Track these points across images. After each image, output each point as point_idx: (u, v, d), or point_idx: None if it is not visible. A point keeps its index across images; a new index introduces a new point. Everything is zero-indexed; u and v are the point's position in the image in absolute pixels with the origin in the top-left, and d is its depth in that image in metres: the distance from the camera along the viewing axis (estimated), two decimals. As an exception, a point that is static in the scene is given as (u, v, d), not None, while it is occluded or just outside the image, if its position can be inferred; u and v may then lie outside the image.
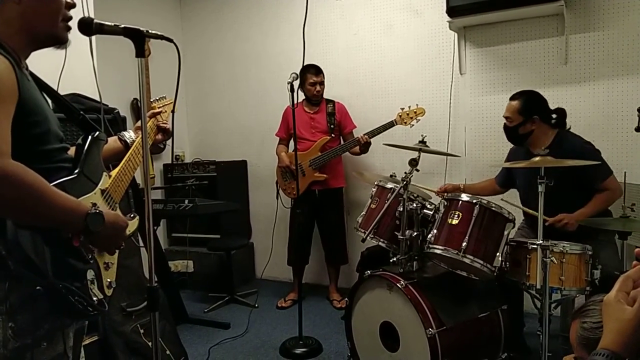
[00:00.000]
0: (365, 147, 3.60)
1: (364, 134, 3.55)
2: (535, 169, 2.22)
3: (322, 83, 3.76)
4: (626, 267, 2.35)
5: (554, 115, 2.67)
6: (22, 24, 1.18)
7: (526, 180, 2.65)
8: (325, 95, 3.88)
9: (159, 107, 1.75)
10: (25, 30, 1.18)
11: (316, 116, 3.81)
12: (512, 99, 2.70)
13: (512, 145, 2.88)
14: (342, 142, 3.81)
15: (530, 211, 2.62)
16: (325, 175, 3.71)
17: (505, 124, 2.72)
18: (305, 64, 3.17)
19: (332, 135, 3.76)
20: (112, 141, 1.58)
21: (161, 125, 1.72)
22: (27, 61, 1.26)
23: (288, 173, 3.77)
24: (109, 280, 1.30)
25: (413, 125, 3.48)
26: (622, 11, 3.12)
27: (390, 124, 3.51)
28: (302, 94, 3.80)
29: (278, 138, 3.96)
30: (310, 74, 3.72)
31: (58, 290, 1.11)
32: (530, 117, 2.62)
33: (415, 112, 3.48)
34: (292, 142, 3.91)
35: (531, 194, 2.42)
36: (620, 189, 2.57)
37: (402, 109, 3.50)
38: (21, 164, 1.02)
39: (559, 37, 3.30)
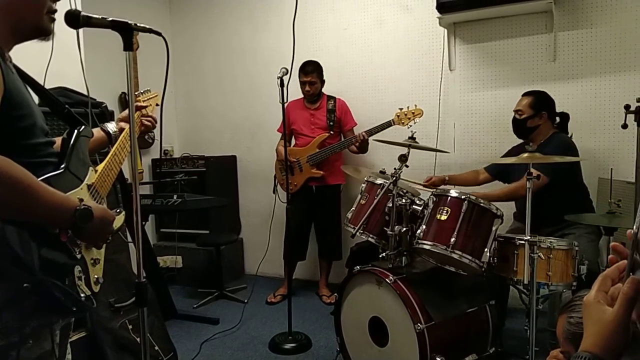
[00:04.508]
0: (362, 145, 3.55)
1: (363, 132, 3.52)
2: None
3: (312, 82, 3.69)
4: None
5: (557, 118, 2.88)
6: (6, 15, 1.15)
7: (520, 177, 2.70)
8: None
9: (143, 101, 1.73)
10: (9, 21, 1.16)
11: (316, 112, 3.79)
12: (525, 94, 2.89)
13: (505, 141, 2.97)
14: (342, 139, 3.78)
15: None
16: (321, 172, 3.67)
17: (515, 117, 2.90)
18: (294, 58, 3.15)
19: (332, 132, 3.72)
20: (95, 132, 1.56)
21: (144, 119, 1.69)
22: (13, 54, 1.23)
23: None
24: (96, 276, 1.29)
25: (411, 126, 3.37)
26: (610, 9, 3.15)
27: (388, 124, 3.46)
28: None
29: (279, 134, 3.86)
30: (301, 73, 3.69)
31: (46, 287, 1.10)
32: (540, 112, 2.81)
33: (413, 113, 3.41)
34: (289, 138, 3.91)
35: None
36: None
37: (401, 109, 3.43)
38: (8, 159, 1.00)
39: (548, 34, 3.32)
